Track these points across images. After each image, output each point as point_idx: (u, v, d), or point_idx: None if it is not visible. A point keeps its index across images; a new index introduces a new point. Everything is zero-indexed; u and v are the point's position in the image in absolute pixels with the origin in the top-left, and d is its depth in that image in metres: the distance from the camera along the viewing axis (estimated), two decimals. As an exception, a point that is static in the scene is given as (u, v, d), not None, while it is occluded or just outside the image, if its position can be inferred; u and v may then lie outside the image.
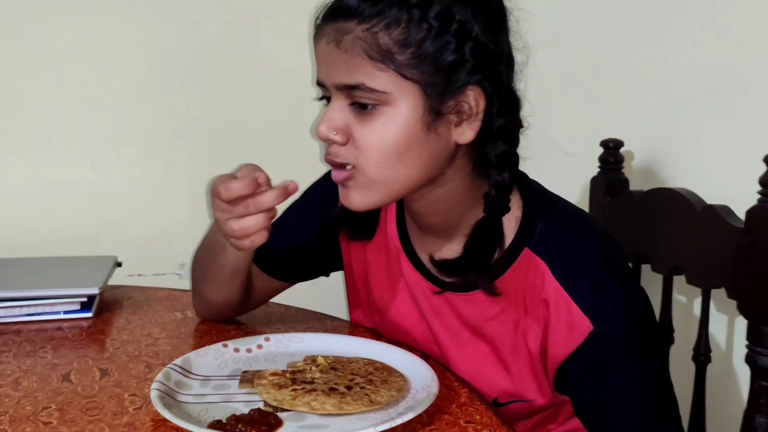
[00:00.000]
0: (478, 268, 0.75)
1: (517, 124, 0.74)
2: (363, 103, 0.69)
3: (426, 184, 0.74)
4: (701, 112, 1.07)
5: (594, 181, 1.17)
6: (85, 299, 1.01)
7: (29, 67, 1.27)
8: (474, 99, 0.70)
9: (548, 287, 0.74)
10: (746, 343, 0.86)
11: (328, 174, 0.93)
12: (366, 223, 0.88)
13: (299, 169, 1.44)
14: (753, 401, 0.85)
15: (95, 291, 1.01)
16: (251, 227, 0.74)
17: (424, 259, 0.84)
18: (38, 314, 0.99)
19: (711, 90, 1.05)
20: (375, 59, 0.67)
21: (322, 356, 0.82)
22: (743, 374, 0.88)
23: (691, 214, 0.94)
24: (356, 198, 0.74)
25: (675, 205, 0.97)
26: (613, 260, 0.76)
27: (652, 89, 1.17)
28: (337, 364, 0.81)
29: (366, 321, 0.96)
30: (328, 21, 0.70)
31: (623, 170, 1.15)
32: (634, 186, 1.15)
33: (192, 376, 0.78)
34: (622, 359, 0.73)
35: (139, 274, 1.37)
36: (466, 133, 0.71)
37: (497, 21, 0.72)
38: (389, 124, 0.69)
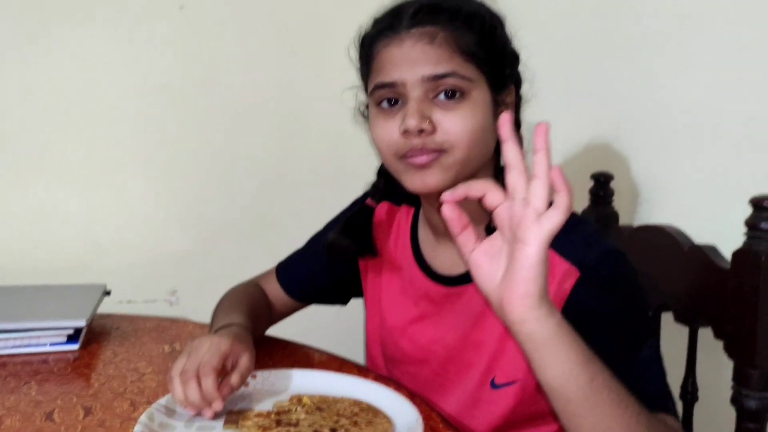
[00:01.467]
0: None
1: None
2: (452, 91, 0.77)
3: (482, 167, 0.82)
4: (690, 148, 1.08)
5: (584, 214, 1.17)
6: (71, 331, 1.01)
7: (22, 93, 1.27)
8: (510, 96, 0.83)
9: None
10: (732, 384, 0.86)
11: (352, 208, 1.01)
12: (365, 242, 0.93)
13: (295, 198, 1.46)
14: (739, 443, 0.85)
15: (82, 323, 1.01)
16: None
17: (436, 266, 0.90)
18: (24, 346, 0.99)
19: (701, 127, 1.06)
20: (463, 52, 0.77)
21: (307, 396, 0.82)
22: (731, 414, 0.88)
23: (679, 252, 0.94)
24: (437, 178, 0.79)
25: (663, 243, 0.97)
26: (602, 235, 0.83)
27: (642, 124, 1.18)
28: (322, 404, 0.80)
29: (377, 333, 0.98)
30: (410, 28, 0.78)
31: (613, 204, 1.15)
32: (623, 219, 1.15)
33: (176, 416, 0.78)
34: (607, 303, 0.76)
35: (129, 301, 1.36)
36: None
37: (510, 34, 0.86)
38: (474, 109, 0.78)
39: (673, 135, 1.11)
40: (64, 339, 1.00)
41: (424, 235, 0.93)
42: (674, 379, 1.01)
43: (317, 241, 1.04)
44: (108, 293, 1.16)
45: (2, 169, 1.29)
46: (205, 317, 1.15)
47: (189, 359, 0.77)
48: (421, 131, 0.76)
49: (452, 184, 0.78)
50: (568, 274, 0.77)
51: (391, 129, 0.79)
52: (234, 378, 0.78)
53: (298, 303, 1.06)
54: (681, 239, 0.95)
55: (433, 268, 0.90)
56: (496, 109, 0.80)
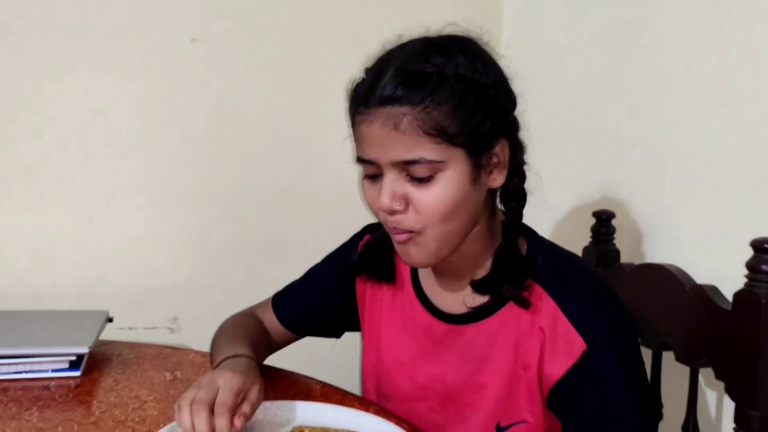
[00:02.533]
0: (509, 281, 0.81)
1: (524, 162, 0.85)
2: (421, 177, 0.76)
3: (470, 231, 0.82)
4: (693, 189, 1.09)
5: (585, 251, 1.19)
6: (74, 358, 1.01)
7: (29, 121, 1.29)
8: (502, 149, 0.80)
9: (545, 312, 0.80)
10: (734, 426, 0.86)
11: (350, 243, 1.01)
12: (386, 267, 0.94)
13: (299, 228, 1.47)
14: (741, 485, 0.85)
15: (84, 350, 1.01)
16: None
17: (436, 300, 0.90)
18: (26, 372, 0.99)
19: (703, 168, 1.07)
20: (431, 135, 0.74)
21: (308, 428, 0.82)
22: (732, 455, 0.88)
23: (680, 292, 0.95)
24: (418, 255, 0.80)
25: (664, 282, 0.98)
26: (605, 288, 0.83)
27: (644, 163, 1.19)
28: None
29: (372, 370, 0.98)
30: (378, 107, 0.76)
31: (615, 242, 1.17)
32: (624, 257, 1.16)
33: (177, 446, 0.78)
34: (614, 377, 0.78)
35: (131, 328, 1.36)
36: (497, 179, 0.81)
37: (503, 74, 0.82)
38: (447, 187, 0.76)
39: (675, 174, 1.13)
40: (66, 365, 1.00)
41: (425, 271, 0.93)
42: (675, 419, 1.02)
43: (315, 273, 1.05)
44: (111, 320, 1.16)
45: (7, 195, 1.30)
46: (206, 345, 1.15)
47: (201, 391, 0.76)
48: (394, 211, 0.77)
49: (438, 257, 0.81)
50: (574, 344, 0.78)
51: (375, 197, 0.79)
52: (245, 408, 0.77)
53: (294, 335, 1.06)
54: (682, 278, 0.95)
55: (435, 303, 0.90)
56: (479, 173, 0.78)
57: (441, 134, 0.74)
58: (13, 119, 1.28)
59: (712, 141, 1.06)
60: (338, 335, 1.07)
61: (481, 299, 0.83)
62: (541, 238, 0.88)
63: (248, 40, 1.40)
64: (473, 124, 0.76)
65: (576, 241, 1.20)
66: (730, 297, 0.87)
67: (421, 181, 0.76)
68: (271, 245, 1.45)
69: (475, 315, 0.84)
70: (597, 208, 1.17)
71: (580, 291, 0.81)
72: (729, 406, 0.88)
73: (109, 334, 1.16)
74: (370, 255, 0.94)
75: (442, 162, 0.75)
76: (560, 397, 0.80)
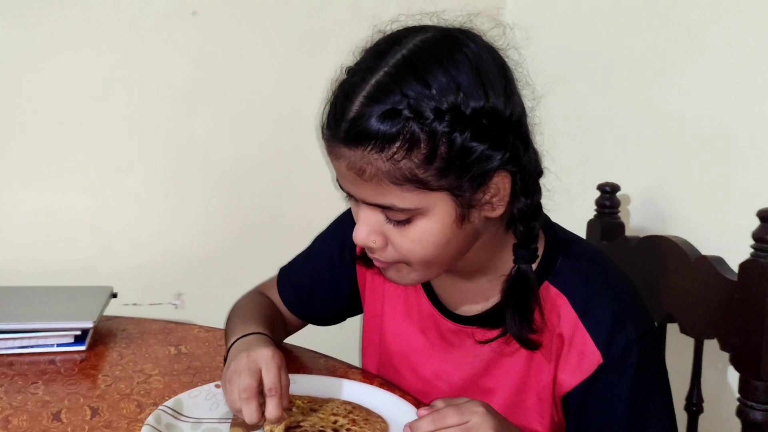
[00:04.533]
0: (516, 320, 0.74)
1: (538, 175, 0.74)
2: (397, 219, 0.69)
3: (464, 254, 0.75)
4: (697, 160, 1.08)
5: (590, 225, 1.18)
6: (78, 332, 1.01)
7: (32, 97, 1.28)
8: (501, 182, 0.69)
9: (565, 319, 0.75)
10: (738, 396, 0.86)
11: (348, 212, 0.94)
12: None
13: (302, 204, 1.46)
14: (745, 455, 0.85)
15: (89, 324, 1.01)
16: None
17: (443, 295, 0.85)
18: (31, 347, 0.99)
19: (708, 139, 1.06)
20: (400, 184, 0.66)
21: (297, 397, 0.82)
22: (736, 426, 0.88)
23: (686, 263, 0.94)
24: (403, 279, 0.76)
25: (670, 254, 0.98)
26: (633, 296, 0.78)
27: (648, 135, 1.18)
28: (315, 405, 0.81)
29: (374, 359, 0.95)
30: (342, 145, 0.67)
31: (619, 215, 1.16)
32: (630, 231, 1.15)
33: (183, 418, 0.78)
34: (626, 395, 0.74)
35: (135, 304, 1.36)
36: (497, 210, 0.72)
37: (506, 85, 0.69)
38: (426, 231, 0.69)
39: (680, 146, 1.11)
40: (72, 340, 1.01)
41: None
42: (679, 390, 1.01)
43: (317, 249, 1.00)
44: (114, 296, 1.16)
45: (11, 170, 1.29)
46: (210, 321, 1.16)
47: (243, 377, 0.73)
48: (371, 248, 0.72)
49: (426, 280, 0.77)
50: (591, 355, 0.74)
51: (355, 217, 0.74)
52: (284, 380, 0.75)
53: (299, 321, 1.02)
54: (688, 250, 0.95)
55: (442, 300, 0.85)
56: (469, 212, 0.69)
57: (413, 183, 0.65)
58: (16, 95, 1.27)
59: (716, 112, 1.05)
60: (341, 320, 1.03)
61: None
62: (562, 233, 0.81)
63: (249, 13, 1.38)
64: (458, 166, 0.65)
65: (581, 214, 1.19)
66: (735, 268, 0.86)
67: (398, 223, 0.69)
68: (276, 221, 1.45)
69: (485, 320, 0.80)
70: (601, 180, 1.16)
71: (602, 300, 0.75)
72: (733, 377, 0.87)
73: (114, 310, 1.16)
74: None
75: (416, 209, 0.67)
76: (569, 407, 0.77)
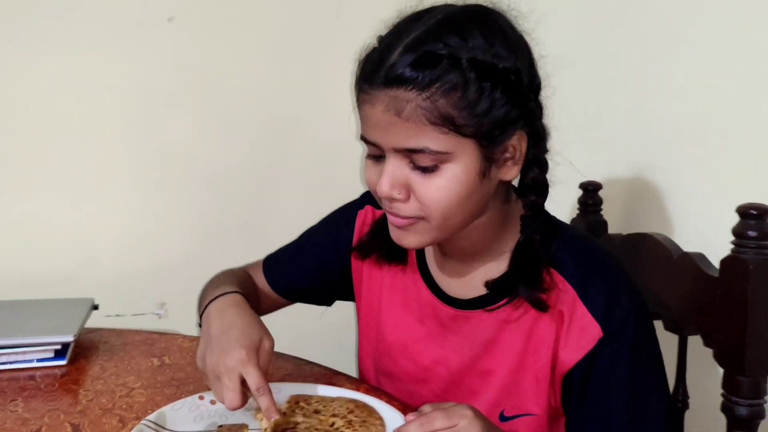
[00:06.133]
0: (527, 283, 0.77)
1: (546, 149, 0.78)
2: (425, 166, 0.71)
3: (475, 219, 0.78)
4: (678, 156, 1.09)
5: (573, 223, 1.18)
6: (59, 347, 1.00)
7: (9, 106, 1.26)
8: (518, 141, 0.74)
9: (564, 297, 0.77)
10: (722, 392, 0.86)
11: (348, 211, 0.98)
12: (399, 249, 0.88)
13: (285, 208, 1.45)
14: (730, 451, 0.85)
15: (69, 338, 1.00)
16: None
17: (442, 282, 0.87)
18: (10, 363, 0.98)
19: (688, 136, 1.07)
20: (437, 124, 0.69)
21: (303, 399, 0.83)
22: (722, 421, 0.88)
23: (668, 260, 0.94)
24: (413, 240, 0.77)
25: (652, 251, 0.98)
26: (624, 272, 0.81)
27: (630, 132, 1.18)
28: (320, 406, 0.82)
29: (371, 350, 0.96)
30: (382, 88, 0.70)
31: (602, 212, 1.16)
32: (612, 228, 1.16)
33: (166, 431, 0.77)
34: (626, 366, 0.76)
35: (117, 315, 1.35)
36: (511, 171, 0.76)
37: (530, 57, 0.75)
38: (452, 179, 0.72)
39: (660, 143, 1.12)
40: (52, 354, 0.99)
41: (429, 250, 0.90)
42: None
43: (310, 238, 1.02)
44: (96, 307, 1.15)
45: (-10, 182, 1.28)
46: (195, 330, 1.14)
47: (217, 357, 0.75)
48: (393, 198, 0.73)
49: (433, 242, 0.78)
50: (591, 329, 0.76)
51: (375, 180, 0.75)
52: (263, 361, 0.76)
53: (284, 300, 1.03)
54: (670, 247, 0.95)
55: (441, 286, 0.87)
56: (489, 166, 0.73)
57: (448, 124, 0.69)
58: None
59: (696, 108, 1.05)
60: (329, 303, 1.05)
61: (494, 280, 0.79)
62: (554, 218, 0.84)
63: (226, 18, 1.37)
64: (486, 114, 0.70)
65: (564, 212, 1.19)
66: (717, 264, 0.86)
67: (425, 170, 0.71)
68: (259, 226, 1.44)
69: (485, 301, 0.82)
70: (583, 179, 1.16)
71: (598, 277, 0.78)
72: (717, 373, 0.88)
73: (97, 321, 1.15)
74: (381, 235, 0.87)
75: (448, 153, 0.70)
76: (572, 384, 0.78)
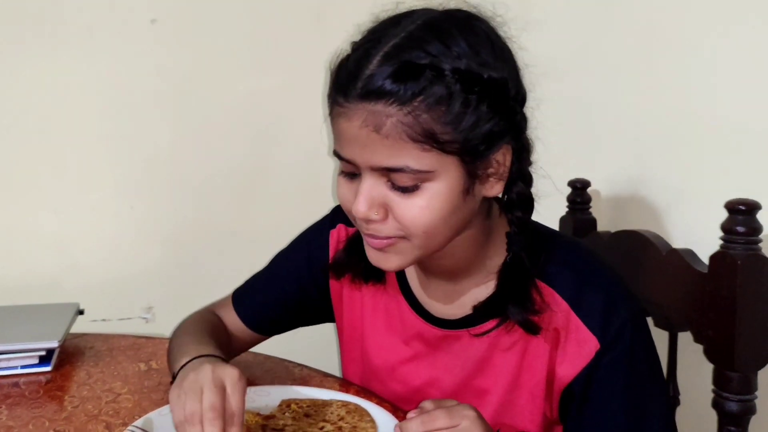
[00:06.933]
0: (516, 303, 0.74)
1: (530, 164, 0.75)
2: (404, 186, 0.67)
3: (456, 236, 0.74)
4: (666, 153, 1.09)
5: (562, 221, 1.18)
6: (43, 353, 0.98)
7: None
8: (503, 155, 0.71)
9: (557, 312, 0.75)
10: (713, 387, 0.86)
11: (318, 230, 0.93)
12: (375, 268, 0.80)
13: (270, 212, 1.44)
14: (722, 446, 0.85)
15: (54, 344, 0.98)
16: None
17: (426, 303, 0.84)
18: (-6, 370, 0.96)
19: (676, 133, 1.07)
20: (419, 141, 0.65)
21: (296, 402, 0.82)
22: (713, 417, 0.88)
23: (657, 257, 0.94)
24: (394, 262, 0.73)
25: (642, 248, 0.98)
26: (619, 281, 0.78)
27: (619, 130, 1.19)
28: (311, 410, 0.81)
29: (357, 373, 0.93)
30: (359, 101, 0.65)
31: (591, 210, 1.16)
32: (601, 226, 1.16)
33: (153, 438, 0.76)
34: (624, 375, 0.74)
35: (104, 320, 1.33)
36: (495, 187, 0.72)
37: (514, 65, 0.72)
38: (434, 199, 0.68)
39: (648, 140, 1.12)
40: (36, 361, 0.98)
41: (411, 270, 0.86)
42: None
43: (281, 264, 0.96)
44: (81, 312, 1.13)
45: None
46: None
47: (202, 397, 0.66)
48: (370, 219, 0.69)
49: (412, 263, 0.73)
50: (588, 343, 0.74)
51: (350, 197, 0.71)
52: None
53: (258, 336, 0.96)
54: (659, 244, 0.95)
55: (426, 307, 0.84)
56: (473, 183, 0.69)
57: (431, 141, 0.65)
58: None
59: (684, 105, 1.05)
60: (311, 324, 1.00)
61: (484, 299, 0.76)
62: (541, 228, 0.81)
63: (209, 20, 1.35)
64: (472, 130, 0.66)
65: (552, 210, 1.19)
66: (706, 260, 0.87)
67: (404, 190, 0.67)
68: (244, 230, 1.43)
69: (474, 320, 0.78)
70: (572, 177, 1.16)
71: (592, 288, 0.75)
72: (708, 369, 0.88)
73: (82, 326, 1.13)
74: (356, 253, 0.83)
75: (429, 172, 0.66)
76: (573, 395, 0.76)
